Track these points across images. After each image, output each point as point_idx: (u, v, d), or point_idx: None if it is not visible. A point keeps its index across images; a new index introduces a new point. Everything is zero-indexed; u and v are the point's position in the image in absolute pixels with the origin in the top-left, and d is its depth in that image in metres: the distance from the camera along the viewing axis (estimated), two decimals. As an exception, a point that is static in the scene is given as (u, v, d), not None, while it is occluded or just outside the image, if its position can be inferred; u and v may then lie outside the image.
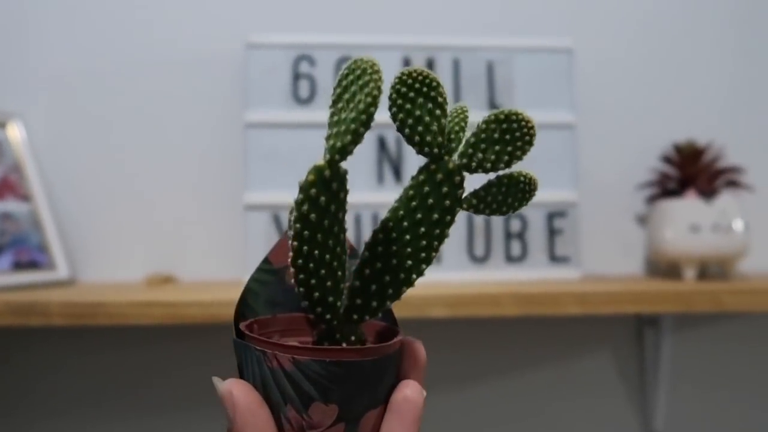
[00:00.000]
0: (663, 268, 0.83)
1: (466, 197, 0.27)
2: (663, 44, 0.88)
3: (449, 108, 0.27)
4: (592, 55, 0.86)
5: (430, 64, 0.80)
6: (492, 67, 0.81)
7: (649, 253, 0.82)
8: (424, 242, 0.26)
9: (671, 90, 0.88)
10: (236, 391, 0.24)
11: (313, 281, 0.25)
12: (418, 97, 0.25)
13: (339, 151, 0.23)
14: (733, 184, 0.78)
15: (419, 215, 0.26)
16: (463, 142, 0.26)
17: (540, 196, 0.79)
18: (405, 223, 0.26)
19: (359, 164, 0.78)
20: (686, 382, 0.86)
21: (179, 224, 0.83)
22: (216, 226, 0.83)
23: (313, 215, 0.24)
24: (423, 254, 0.26)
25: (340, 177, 0.24)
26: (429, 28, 0.85)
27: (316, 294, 0.25)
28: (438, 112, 0.25)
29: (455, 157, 0.26)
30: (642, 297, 0.66)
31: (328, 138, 0.24)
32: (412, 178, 0.26)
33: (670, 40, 0.88)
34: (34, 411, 0.81)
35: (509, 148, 0.25)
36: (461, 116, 0.27)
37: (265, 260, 0.30)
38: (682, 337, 0.85)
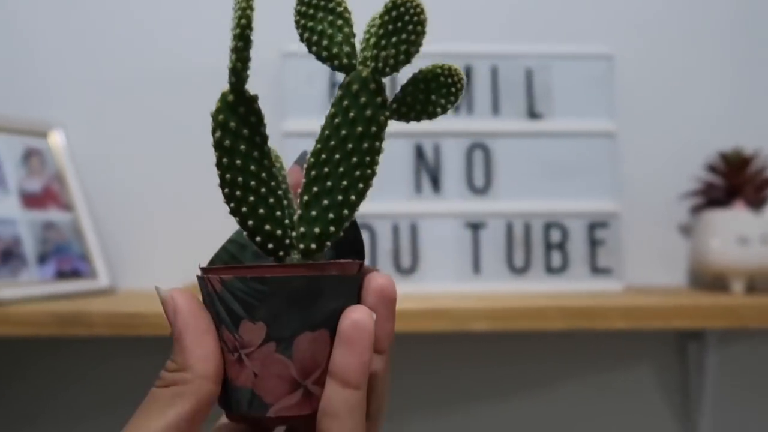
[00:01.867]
0: (708, 280, 0.81)
1: (387, 104, 0.26)
2: (707, 49, 0.86)
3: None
4: (632, 61, 0.84)
5: (468, 71, 0.79)
6: (530, 75, 0.79)
7: (694, 265, 0.80)
8: (355, 159, 0.25)
9: (715, 96, 0.86)
10: (178, 296, 0.24)
11: (244, 209, 0.25)
12: (317, 11, 0.25)
13: (231, 74, 0.24)
14: (782, 194, 0.76)
15: (344, 132, 0.25)
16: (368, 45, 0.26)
17: (581, 205, 0.79)
18: (332, 143, 0.25)
19: (396, 173, 0.77)
20: (731, 398, 0.83)
21: (219, 233, 0.83)
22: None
23: (227, 141, 0.24)
24: (357, 172, 0.25)
25: (246, 100, 0.25)
26: (466, 35, 0.84)
27: (251, 222, 0.25)
28: (339, 22, 0.25)
29: (369, 63, 0.25)
30: (690, 311, 0.64)
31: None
32: (334, 97, 0.26)
33: (715, 45, 0.86)
34: (76, 420, 0.81)
35: (403, 36, 0.24)
36: (374, 24, 0.26)
37: None
38: (727, 351, 0.83)
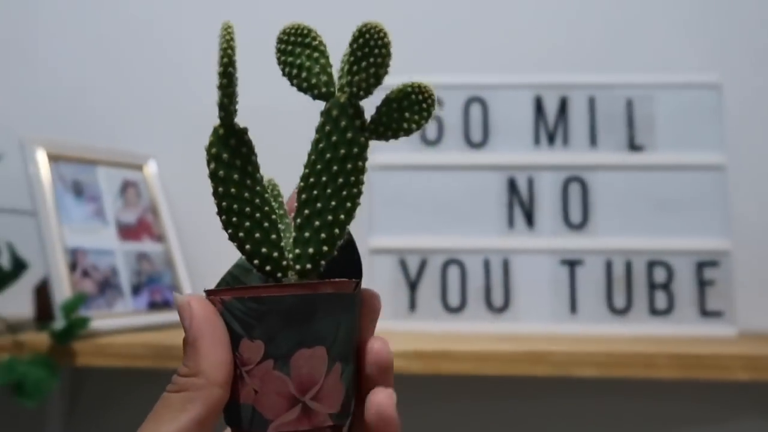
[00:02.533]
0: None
1: (366, 126, 0.27)
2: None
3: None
4: (742, 90, 0.79)
5: (564, 102, 0.76)
6: (631, 105, 0.76)
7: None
8: (341, 180, 0.27)
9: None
10: (194, 302, 0.25)
11: (241, 234, 0.27)
12: (296, 47, 0.28)
13: (220, 109, 0.26)
14: None
15: (328, 155, 0.27)
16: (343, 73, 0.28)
17: (688, 243, 0.73)
18: (318, 166, 0.27)
19: (489, 207, 0.74)
20: None
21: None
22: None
23: (220, 172, 0.26)
24: (344, 192, 0.27)
25: (236, 132, 0.27)
26: (562, 64, 0.81)
27: (248, 246, 0.27)
28: (315, 54, 0.28)
29: (345, 90, 0.27)
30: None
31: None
32: (318, 124, 0.28)
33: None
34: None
35: (371, 60, 0.26)
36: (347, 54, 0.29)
37: None
38: None
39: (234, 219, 0.27)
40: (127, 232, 0.77)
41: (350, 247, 0.28)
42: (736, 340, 0.69)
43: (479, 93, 0.77)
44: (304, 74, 0.28)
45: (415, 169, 0.76)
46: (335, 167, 0.27)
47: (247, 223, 0.27)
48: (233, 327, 0.25)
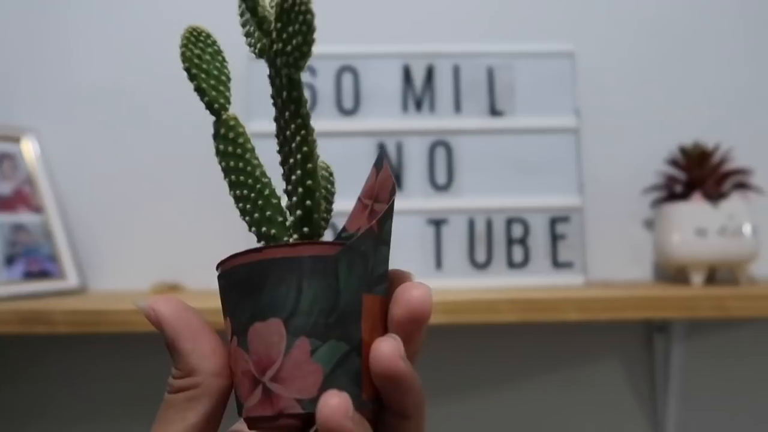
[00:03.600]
0: (671, 273, 0.81)
1: (277, 63, 0.25)
2: (667, 45, 0.87)
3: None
4: (594, 58, 0.85)
5: (430, 71, 0.80)
6: (492, 73, 0.80)
7: (657, 258, 0.81)
8: (288, 132, 0.26)
9: (677, 91, 0.86)
10: (157, 304, 0.24)
11: (247, 218, 0.26)
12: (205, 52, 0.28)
13: (206, 105, 0.27)
14: (741, 186, 0.76)
15: (282, 123, 0.27)
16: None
17: (543, 201, 0.79)
18: (281, 137, 0.27)
19: (359, 172, 0.78)
20: (698, 390, 0.84)
21: (187, 234, 0.85)
22: (222, 236, 0.85)
23: (222, 163, 0.27)
24: (297, 138, 0.25)
25: (222, 122, 0.27)
26: (428, 35, 0.85)
27: (254, 229, 0.26)
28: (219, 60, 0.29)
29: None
30: (644, 303, 0.65)
31: None
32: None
33: (674, 41, 0.87)
34: (41, 419, 0.83)
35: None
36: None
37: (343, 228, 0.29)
38: (693, 343, 0.83)
39: (240, 205, 0.26)
40: (2, 203, 0.76)
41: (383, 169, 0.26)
42: (585, 287, 0.76)
43: (351, 62, 0.80)
44: (214, 93, 0.28)
45: (290, 136, 0.79)
46: (282, 123, 0.26)
47: (248, 206, 0.26)
48: (221, 304, 0.24)
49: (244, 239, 0.81)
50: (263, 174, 0.27)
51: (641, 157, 0.84)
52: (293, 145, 0.26)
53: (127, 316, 0.63)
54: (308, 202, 0.25)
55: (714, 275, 0.77)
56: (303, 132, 0.25)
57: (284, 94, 0.26)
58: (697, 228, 0.74)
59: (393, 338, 0.22)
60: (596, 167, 0.84)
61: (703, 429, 0.84)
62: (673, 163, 0.80)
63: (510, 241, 0.78)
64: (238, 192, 0.26)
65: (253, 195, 0.26)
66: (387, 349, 0.22)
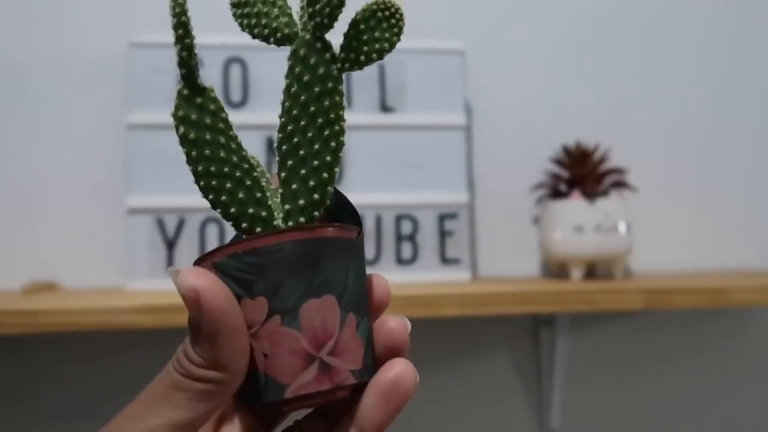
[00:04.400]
0: (554, 269, 0.84)
1: (336, 57, 0.26)
2: (554, 48, 0.90)
3: None
4: (485, 57, 0.87)
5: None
6: (383, 69, 0.80)
7: (542, 255, 0.83)
8: (320, 120, 0.25)
9: (562, 92, 0.89)
10: (203, 290, 0.21)
11: (223, 198, 0.24)
12: None
13: (180, 65, 0.23)
14: (618, 184, 0.80)
15: (303, 97, 0.25)
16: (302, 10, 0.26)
17: (432, 197, 0.80)
18: (295, 112, 0.25)
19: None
20: (581, 379, 0.87)
21: (61, 230, 0.80)
22: (98, 231, 0.80)
23: (191, 134, 0.24)
24: (326, 132, 0.25)
25: (202, 91, 0.24)
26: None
27: (233, 210, 0.24)
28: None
29: (308, 27, 0.26)
30: (522, 298, 0.66)
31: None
32: (286, 71, 0.26)
33: (561, 44, 0.90)
34: None
35: None
36: None
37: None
38: (577, 335, 0.87)
39: (214, 182, 0.24)
40: None
41: (340, 199, 0.27)
42: (471, 284, 0.77)
43: (239, 53, 0.78)
44: (263, 21, 0.26)
45: (172, 128, 0.76)
46: (312, 107, 0.25)
47: (228, 184, 0.24)
48: (230, 289, 0.22)
49: (122, 236, 0.77)
50: (248, 156, 0.26)
51: (529, 156, 0.87)
52: (319, 122, 0.25)
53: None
54: (329, 188, 0.25)
55: (593, 270, 0.81)
56: (336, 112, 0.25)
57: (321, 70, 0.25)
58: (575, 225, 0.76)
59: (398, 316, 0.26)
60: (485, 165, 0.86)
61: (586, 416, 0.87)
62: (557, 161, 0.82)
63: (399, 238, 0.78)
64: (213, 168, 0.24)
65: (239, 174, 0.24)
66: (397, 324, 0.25)
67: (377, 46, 0.26)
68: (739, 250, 0.92)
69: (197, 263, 0.24)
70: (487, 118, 0.86)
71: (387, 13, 0.26)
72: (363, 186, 0.78)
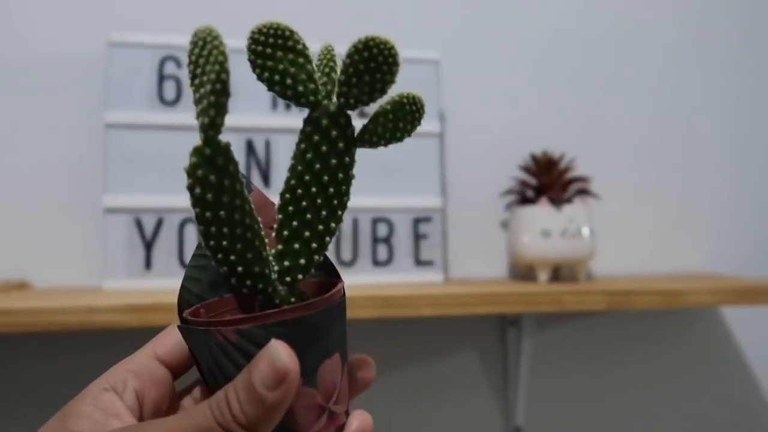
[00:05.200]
0: (522, 271, 0.88)
1: (357, 135, 0.27)
2: (525, 58, 0.94)
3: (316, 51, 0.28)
4: (458, 68, 0.90)
5: (301, 70, 0.81)
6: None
7: (510, 258, 0.87)
8: (331, 189, 0.26)
9: (532, 102, 0.93)
10: (293, 372, 0.23)
11: (232, 257, 0.25)
12: (276, 50, 0.26)
13: (209, 127, 0.23)
14: (582, 192, 0.84)
15: (318, 166, 0.26)
16: (336, 82, 0.27)
17: (406, 202, 0.82)
18: (307, 177, 0.26)
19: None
20: (545, 377, 0.91)
21: (35, 228, 0.79)
22: (74, 230, 0.80)
23: (209, 195, 0.23)
24: (335, 201, 0.26)
25: (223, 151, 0.24)
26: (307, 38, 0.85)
27: (240, 268, 0.25)
28: (301, 60, 0.26)
29: (333, 99, 0.26)
30: (492, 299, 0.70)
31: (197, 117, 0.24)
32: (300, 132, 0.26)
33: (530, 57, 0.94)
34: None
35: (378, 75, 0.25)
36: (329, 57, 0.28)
37: (199, 246, 0.29)
38: (543, 335, 0.91)
39: (224, 243, 0.24)
40: None
41: None
42: (443, 285, 0.80)
43: (219, 56, 0.79)
44: (288, 81, 0.26)
45: (151, 128, 0.76)
46: (326, 177, 0.26)
47: (239, 246, 0.25)
48: (253, 353, 0.23)
49: (90, 234, 0.77)
50: (253, 210, 0.26)
51: (499, 162, 0.90)
52: (330, 191, 0.26)
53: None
54: (317, 257, 0.27)
55: (558, 273, 0.85)
56: (346, 185, 0.27)
57: (340, 144, 0.26)
58: (542, 230, 0.80)
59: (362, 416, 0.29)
60: (457, 171, 0.89)
61: (550, 413, 0.91)
62: (525, 169, 0.86)
63: (375, 240, 0.80)
64: (225, 230, 0.24)
65: (249, 235, 0.25)
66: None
67: (398, 134, 0.28)
68: (692, 254, 0.98)
69: (209, 323, 0.24)
70: (459, 126, 0.90)
71: (414, 107, 0.27)
72: (340, 189, 0.80)
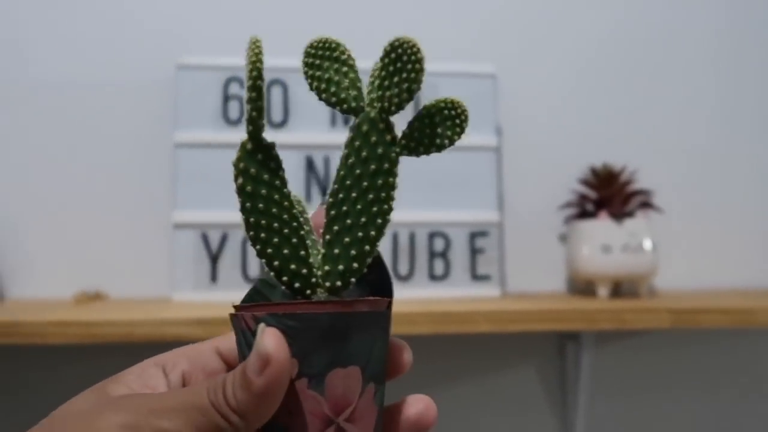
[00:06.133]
0: (581, 286, 0.86)
1: (397, 141, 0.27)
2: (583, 71, 0.92)
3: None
4: (515, 81, 0.90)
5: (359, 87, 0.82)
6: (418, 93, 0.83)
7: (569, 272, 0.86)
8: (371, 195, 0.26)
9: (590, 114, 0.92)
10: (276, 356, 0.23)
11: (269, 250, 0.26)
12: (324, 61, 0.27)
13: (250, 123, 0.25)
14: (644, 205, 0.82)
15: (358, 170, 0.26)
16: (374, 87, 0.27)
17: (463, 216, 0.83)
18: (348, 182, 0.26)
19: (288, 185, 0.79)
20: (605, 395, 0.89)
21: (110, 242, 0.84)
22: (145, 244, 0.84)
23: (248, 186, 0.25)
24: (374, 208, 0.26)
25: (264, 147, 0.26)
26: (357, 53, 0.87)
27: (276, 263, 0.26)
28: (344, 69, 0.27)
29: (375, 105, 0.27)
30: (551, 315, 0.69)
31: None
32: (346, 139, 0.27)
33: (588, 69, 0.92)
34: (-42, 429, 0.80)
35: (404, 76, 0.25)
36: (376, 69, 0.28)
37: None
38: (602, 351, 0.89)
39: (262, 234, 0.26)
40: None
41: (379, 264, 0.28)
42: (500, 300, 0.80)
43: (280, 75, 0.82)
44: (333, 89, 0.27)
45: (218, 147, 0.79)
46: (365, 183, 0.26)
47: (276, 239, 0.26)
48: None
49: (160, 248, 0.81)
50: (300, 212, 0.27)
51: (557, 176, 0.89)
52: (369, 197, 0.26)
53: (40, 328, 0.62)
54: (356, 264, 0.26)
55: (619, 288, 0.83)
56: (387, 192, 0.27)
57: (380, 149, 0.26)
58: (603, 244, 0.79)
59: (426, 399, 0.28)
60: (515, 184, 0.89)
61: (608, 430, 0.89)
62: (585, 182, 0.85)
63: (432, 255, 0.81)
64: (263, 222, 0.26)
65: (286, 231, 0.26)
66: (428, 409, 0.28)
67: (438, 141, 0.27)
68: (760, 269, 0.93)
69: (238, 308, 0.25)
70: (516, 139, 0.89)
71: (453, 112, 0.27)
72: (398, 203, 0.81)
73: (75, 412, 0.24)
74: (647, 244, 0.79)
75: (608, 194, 0.82)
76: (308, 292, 0.26)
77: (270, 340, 0.23)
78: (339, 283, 0.26)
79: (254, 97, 0.25)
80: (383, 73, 0.26)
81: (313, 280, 0.26)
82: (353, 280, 0.26)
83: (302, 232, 0.26)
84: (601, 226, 0.80)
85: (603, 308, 0.70)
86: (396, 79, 0.25)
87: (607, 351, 0.90)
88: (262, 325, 0.23)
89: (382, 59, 0.26)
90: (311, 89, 0.28)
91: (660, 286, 0.90)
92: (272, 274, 0.26)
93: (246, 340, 0.25)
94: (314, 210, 0.30)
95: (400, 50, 0.25)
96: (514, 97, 0.90)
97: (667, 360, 0.91)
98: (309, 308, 0.25)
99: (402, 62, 0.25)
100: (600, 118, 0.92)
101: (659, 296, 0.82)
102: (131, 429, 0.22)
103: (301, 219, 0.27)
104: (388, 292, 0.28)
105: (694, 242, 0.92)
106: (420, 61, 0.25)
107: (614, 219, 0.80)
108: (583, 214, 0.84)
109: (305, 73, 0.28)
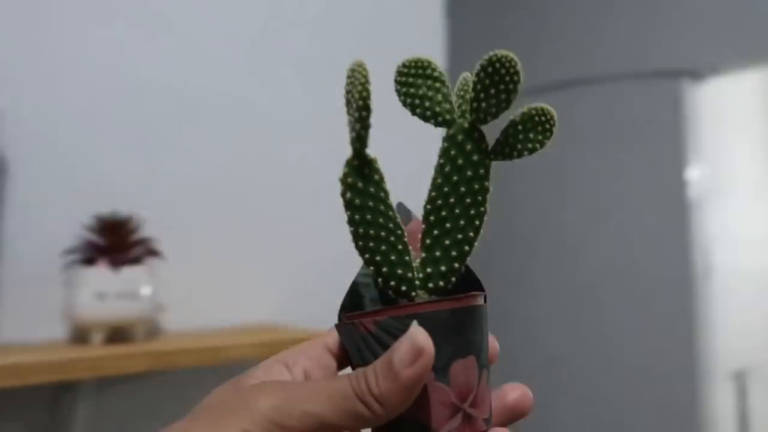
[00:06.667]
0: (79, 333, 0.85)
1: (491, 148, 0.29)
2: (98, 121, 0.93)
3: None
4: (24, 116, 0.85)
5: None
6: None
7: (68, 319, 0.83)
8: (468, 200, 0.29)
9: (102, 161, 0.93)
10: (428, 352, 0.25)
11: (378, 258, 0.28)
12: (416, 79, 0.30)
13: (356, 140, 0.27)
14: (147, 252, 0.86)
15: (455, 177, 0.29)
16: (468, 100, 0.30)
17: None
18: (446, 189, 0.29)
19: None
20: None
21: None
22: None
23: (357, 200, 0.28)
24: (472, 211, 0.29)
25: (369, 162, 0.28)
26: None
27: (385, 269, 0.28)
28: (437, 84, 0.30)
29: (467, 116, 0.29)
30: (17, 370, 0.65)
31: (350, 136, 0.28)
32: (440, 149, 0.29)
33: (104, 118, 0.94)
34: None
35: (502, 87, 0.28)
36: (465, 83, 0.31)
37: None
38: (101, 400, 0.88)
39: (371, 244, 0.28)
40: None
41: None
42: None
43: None
44: (426, 104, 0.29)
45: None
46: (462, 188, 0.29)
47: (383, 247, 0.28)
48: (388, 344, 0.26)
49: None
50: (398, 219, 0.30)
51: (64, 222, 0.86)
52: (467, 201, 0.29)
53: None
54: (457, 265, 0.29)
55: (119, 335, 0.84)
56: (482, 196, 0.29)
57: (475, 157, 0.29)
58: (98, 292, 0.79)
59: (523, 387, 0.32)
60: (18, 227, 0.82)
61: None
62: (91, 229, 0.84)
63: None
64: (371, 232, 0.28)
65: (392, 239, 0.28)
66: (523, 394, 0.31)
67: (530, 146, 0.30)
68: (264, 303, 1.08)
69: (353, 317, 0.28)
70: (25, 175, 0.84)
71: (543, 118, 0.29)
72: None
73: (224, 399, 0.26)
74: (145, 290, 0.82)
75: (112, 242, 0.83)
76: (413, 293, 0.29)
77: (422, 335, 0.25)
78: (441, 283, 0.29)
79: (364, 116, 0.26)
80: (479, 86, 0.28)
81: (416, 282, 0.29)
82: (453, 279, 0.29)
83: (405, 239, 0.29)
84: (98, 274, 0.80)
85: (85, 357, 0.70)
86: (493, 91, 0.28)
87: (109, 399, 0.89)
88: (414, 323, 0.26)
89: (478, 73, 0.28)
90: (404, 105, 0.30)
91: (173, 328, 0.94)
92: (379, 280, 0.29)
93: (367, 343, 0.27)
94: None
95: (498, 65, 0.28)
96: (23, 133, 0.84)
97: (148, 403, 0.93)
98: (429, 307, 0.27)
99: (500, 76, 0.28)
100: (111, 165, 0.94)
101: (161, 339, 0.87)
102: (281, 410, 0.25)
103: (402, 228, 0.30)
104: (477, 286, 0.30)
105: (203, 285, 1.01)
106: (518, 73, 0.28)
107: (112, 266, 0.81)
108: (87, 261, 0.83)
109: (398, 91, 0.30)
